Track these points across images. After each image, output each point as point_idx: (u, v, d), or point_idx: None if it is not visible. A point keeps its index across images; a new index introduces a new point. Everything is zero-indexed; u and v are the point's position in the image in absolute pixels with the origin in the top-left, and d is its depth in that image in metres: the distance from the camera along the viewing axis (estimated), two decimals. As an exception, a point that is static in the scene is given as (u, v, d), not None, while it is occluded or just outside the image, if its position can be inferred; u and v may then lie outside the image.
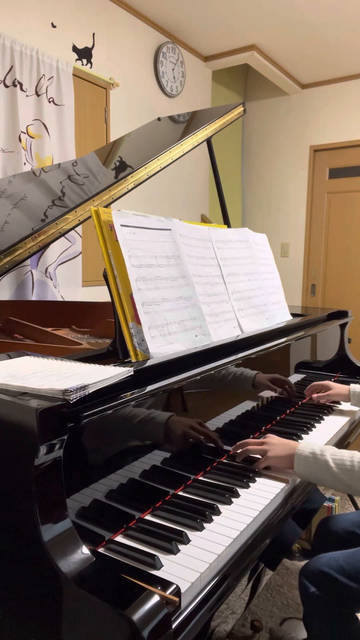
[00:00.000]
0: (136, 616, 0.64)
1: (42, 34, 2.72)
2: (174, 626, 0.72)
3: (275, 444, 1.21)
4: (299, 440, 1.40)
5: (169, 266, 1.28)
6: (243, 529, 0.95)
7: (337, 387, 1.69)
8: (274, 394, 1.55)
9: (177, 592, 0.75)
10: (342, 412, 1.67)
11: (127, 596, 0.67)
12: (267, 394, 1.51)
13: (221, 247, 1.55)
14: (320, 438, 1.44)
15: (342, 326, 2.11)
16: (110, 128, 3.21)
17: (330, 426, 1.54)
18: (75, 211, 1.43)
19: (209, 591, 0.81)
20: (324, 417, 1.60)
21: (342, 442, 1.54)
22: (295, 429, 1.46)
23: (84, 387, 0.82)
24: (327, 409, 1.67)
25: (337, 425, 1.55)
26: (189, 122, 2.04)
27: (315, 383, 1.74)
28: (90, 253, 3.07)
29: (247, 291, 1.58)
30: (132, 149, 1.99)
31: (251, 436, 1.39)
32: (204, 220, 4.12)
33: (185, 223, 1.43)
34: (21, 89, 2.56)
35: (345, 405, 1.73)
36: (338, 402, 1.74)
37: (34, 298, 2.62)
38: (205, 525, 0.95)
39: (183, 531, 0.91)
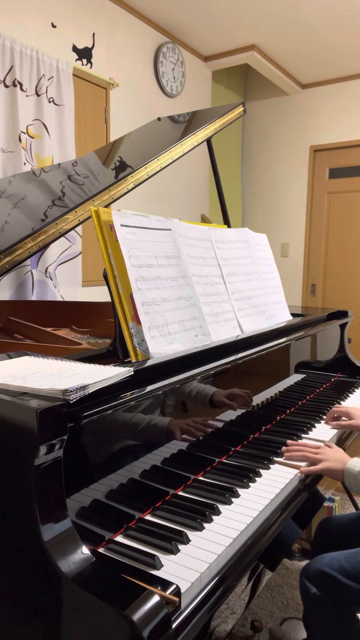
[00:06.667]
0: (136, 616, 0.64)
1: (42, 34, 2.72)
2: (174, 626, 0.72)
3: (329, 456, 1.26)
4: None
5: (169, 266, 1.28)
6: (243, 529, 0.95)
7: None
8: (273, 395, 1.55)
9: (177, 592, 0.75)
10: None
11: (127, 596, 0.67)
12: (265, 395, 1.50)
13: (221, 247, 1.55)
14: (320, 438, 1.43)
15: (342, 326, 2.11)
16: (110, 128, 3.21)
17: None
18: (75, 211, 1.43)
19: (209, 591, 0.81)
20: (324, 417, 1.60)
21: (342, 442, 1.53)
22: (295, 429, 1.46)
23: (84, 387, 0.82)
24: (327, 408, 1.67)
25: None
26: (189, 122, 2.04)
27: (336, 410, 1.56)
28: (90, 253, 3.07)
29: (247, 291, 1.58)
30: (132, 149, 1.99)
31: (251, 436, 1.39)
32: (204, 220, 4.12)
33: (185, 223, 1.43)
34: (21, 89, 2.56)
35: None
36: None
37: (34, 298, 2.62)
38: (205, 525, 0.95)
39: (183, 531, 0.91)
